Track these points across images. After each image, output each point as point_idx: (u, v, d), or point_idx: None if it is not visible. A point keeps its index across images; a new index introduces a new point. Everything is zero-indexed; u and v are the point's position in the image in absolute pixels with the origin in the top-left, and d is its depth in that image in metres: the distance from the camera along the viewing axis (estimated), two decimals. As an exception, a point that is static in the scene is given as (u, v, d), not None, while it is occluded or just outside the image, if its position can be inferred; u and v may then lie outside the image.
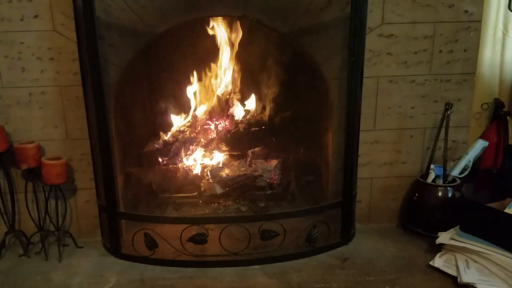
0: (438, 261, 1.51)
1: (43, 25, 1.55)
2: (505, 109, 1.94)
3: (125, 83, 1.63)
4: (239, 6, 1.55)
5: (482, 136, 1.89)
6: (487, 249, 1.43)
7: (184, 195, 1.83)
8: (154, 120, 1.90)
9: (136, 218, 1.61)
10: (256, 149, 1.93)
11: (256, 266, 1.54)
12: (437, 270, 1.48)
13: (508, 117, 1.91)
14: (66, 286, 1.44)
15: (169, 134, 1.89)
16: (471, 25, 1.67)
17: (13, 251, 1.65)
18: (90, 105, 1.54)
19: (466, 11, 1.65)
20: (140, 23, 1.54)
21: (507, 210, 1.51)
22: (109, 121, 1.54)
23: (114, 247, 1.61)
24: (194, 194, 1.83)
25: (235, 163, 1.90)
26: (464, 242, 1.48)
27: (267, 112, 1.90)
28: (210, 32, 1.75)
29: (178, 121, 1.91)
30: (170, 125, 1.90)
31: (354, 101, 1.58)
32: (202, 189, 1.84)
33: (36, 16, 1.54)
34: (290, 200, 1.85)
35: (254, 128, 1.91)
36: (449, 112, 1.63)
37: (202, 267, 1.52)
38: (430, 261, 1.52)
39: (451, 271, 1.45)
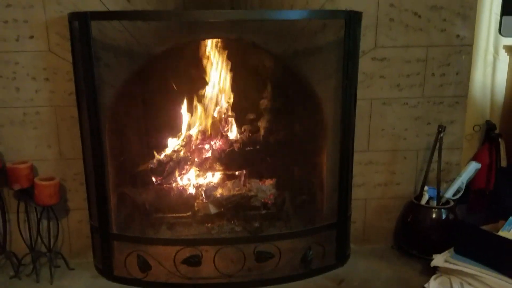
0: (433, 284, 1.51)
1: (38, 45, 1.56)
2: (497, 131, 1.98)
3: (120, 103, 1.65)
4: (234, 29, 1.58)
5: (475, 158, 1.93)
6: (482, 272, 1.44)
7: (178, 215, 1.82)
8: (148, 140, 1.90)
9: (129, 239, 1.60)
10: (250, 168, 1.93)
11: (251, 289, 1.54)
12: None
13: (499, 139, 1.94)
14: (57, 310, 1.43)
15: (163, 154, 1.89)
16: (463, 49, 1.71)
17: (3, 272, 1.63)
18: (85, 125, 1.55)
19: (458, 36, 1.69)
20: (136, 44, 1.56)
21: (500, 233, 1.52)
22: (104, 141, 1.54)
23: (106, 269, 1.60)
24: (188, 214, 1.83)
25: (230, 183, 1.91)
26: (459, 265, 1.48)
27: (262, 132, 1.92)
28: (206, 53, 1.77)
29: (172, 141, 1.91)
30: (164, 145, 1.90)
31: (348, 122, 1.61)
32: (196, 209, 1.83)
33: (31, 37, 1.55)
34: (285, 220, 1.85)
35: (249, 148, 1.92)
36: (442, 135, 1.66)
37: (196, 290, 1.52)
38: (425, 283, 1.53)
39: None
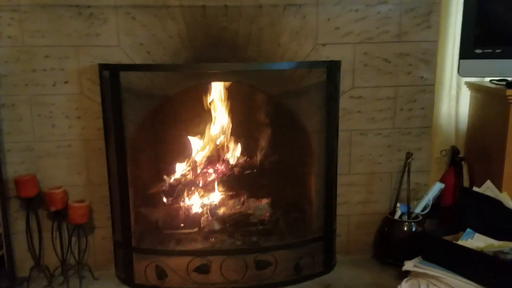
0: (404, 285, 1.72)
1: (72, 89, 1.81)
2: (461, 155, 2.22)
3: (139, 136, 1.91)
4: (235, 75, 1.86)
5: (442, 179, 2.16)
6: (444, 274, 1.65)
7: (187, 230, 2.04)
8: (161, 167, 2.16)
9: (148, 251, 1.83)
10: (249, 190, 2.18)
11: (252, 293, 1.77)
12: None
13: (462, 162, 2.18)
14: (89, 312, 1.68)
15: (173, 177, 2.15)
16: (426, 88, 1.96)
17: (38, 282, 1.86)
18: (111, 155, 1.81)
19: (422, 77, 1.94)
20: (154, 87, 1.84)
21: (459, 242, 1.77)
22: (127, 169, 1.80)
23: (128, 277, 1.84)
24: (195, 229, 2.06)
25: (231, 202, 2.14)
26: (426, 269, 1.70)
27: (259, 158, 2.18)
28: (211, 94, 2.03)
29: (181, 167, 2.17)
30: (174, 170, 2.14)
31: (331, 150, 1.86)
32: (202, 226, 2.08)
33: (66, 82, 1.81)
34: (279, 234, 2.06)
35: (247, 172, 2.17)
36: (409, 160, 1.93)
37: (206, 294, 1.76)
38: (398, 286, 1.75)
39: None
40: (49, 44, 1.77)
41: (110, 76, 1.70)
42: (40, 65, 1.79)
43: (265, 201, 2.14)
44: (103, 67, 1.76)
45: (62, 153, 1.87)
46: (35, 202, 1.85)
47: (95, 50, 1.79)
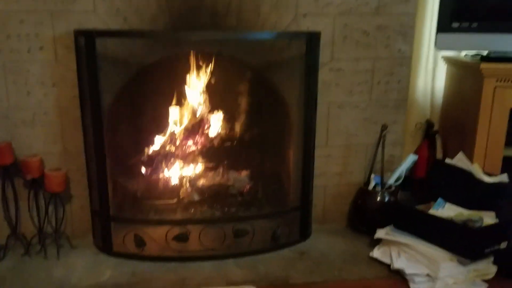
0: (376, 253, 1.81)
1: (47, 56, 1.77)
2: (435, 129, 2.28)
3: (116, 106, 1.89)
4: (214, 45, 1.86)
5: (416, 151, 2.22)
6: (414, 242, 1.71)
7: (166, 201, 2.06)
8: (139, 137, 2.14)
9: (127, 221, 1.86)
10: (228, 161, 2.20)
11: (230, 260, 1.80)
12: (376, 260, 1.79)
13: (436, 135, 2.25)
14: (68, 279, 1.67)
15: (152, 148, 2.14)
16: (403, 61, 1.98)
17: (15, 251, 1.86)
18: (87, 124, 1.79)
19: (399, 50, 1.96)
20: (131, 56, 1.82)
21: (430, 211, 1.84)
22: (104, 138, 1.77)
23: (106, 246, 1.85)
24: (175, 200, 2.08)
25: (210, 174, 2.16)
26: (396, 237, 1.77)
27: (238, 130, 2.18)
28: (190, 64, 2.00)
29: (160, 138, 2.17)
30: (153, 141, 2.13)
31: (310, 122, 1.88)
32: (181, 197, 2.10)
33: (41, 48, 1.77)
34: (258, 205, 2.11)
35: (227, 144, 2.17)
36: (384, 133, 1.97)
37: (185, 262, 1.78)
38: (370, 253, 1.84)
39: (386, 260, 1.75)
40: (24, 9, 1.72)
41: (86, 42, 1.67)
42: (15, 30, 1.74)
43: (244, 173, 2.17)
44: (78, 33, 1.72)
45: (38, 121, 1.84)
46: (11, 170, 1.83)
47: (70, 15, 1.74)
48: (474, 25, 1.92)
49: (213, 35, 1.77)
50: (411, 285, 1.65)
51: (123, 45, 1.78)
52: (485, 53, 1.99)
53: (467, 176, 1.87)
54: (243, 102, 2.12)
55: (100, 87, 1.72)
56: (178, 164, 2.14)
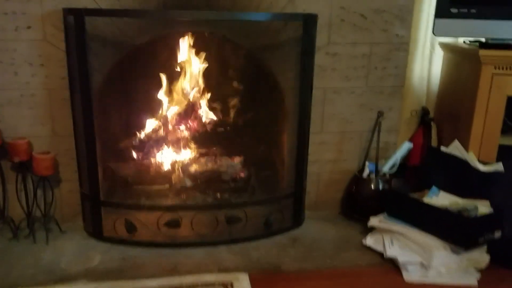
0: (369, 240, 1.80)
1: (35, 35, 1.72)
2: (430, 116, 2.26)
3: (106, 87, 1.84)
4: (208, 25, 1.81)
5: (411, 139, 2.20)
6: (407, 230, 1.71)
7: (158, 186, 2.03)
8: (131, 121, 2.10)
9: (117, 205, 1.83)
10: (221, 147, 2.17)
11: (222, 246, 1.78)
12: (368, 247, 1.78)
13: (432, 123, 2.22)
14: (56, 264, 1.65)
15: (144, 132, 2.10)
16: (401, 46, 1.95)
17: (3, 235, 1.82)
18: (77, 106, 1.75)
19: (397, 35, 1.93)
20: (121, 35, 1.77)
21: (424, 199, 1.82)
22: (93, 120, 1.73)
23: (96, 231, 1.82)
24: (166, 186, 2.06)
25: (203, 160, 2.13)
26: (390, 224, 1.76)
27: (232, 115, 2.14)
28: (182, 45, 1.96)
29: (152, 122, 2.12)
30: (145, 125, 2.10)
31: (305, 108, 1.85)
32: (173, 182, 2.07)
33: (29, 27, 1.71)
34: (251, 191, 2.09)
35: (220, 129, 2.14)
36: (380, 119, 1.95)
37: (176, 248, 1.76)
38: (363, 240, 1.83)
39: (379, 248, 1.74)
40: (10, -15, 1.66)
41: (75, 21, 1.61)
42: (1, 8, 1.68)
43: (237, 159, 2.14)
44: (67, 11, 1.66)
45: (25, 103, 1.79)
46: (-2, 153, 1.79)
47: (59, -7, 1.69)
48: (473, 10, 1.89)
49: (206, 15, 1.72)
50: (404, 273, 1.64)
51: (114, 25, 1.73)
52: (483, 39, 1.95)
53: (462, 164, 1.85)
54: (237, 86, 2.08)
55: (90, 68, 1.68)
56: (170, 149, 2.11)
